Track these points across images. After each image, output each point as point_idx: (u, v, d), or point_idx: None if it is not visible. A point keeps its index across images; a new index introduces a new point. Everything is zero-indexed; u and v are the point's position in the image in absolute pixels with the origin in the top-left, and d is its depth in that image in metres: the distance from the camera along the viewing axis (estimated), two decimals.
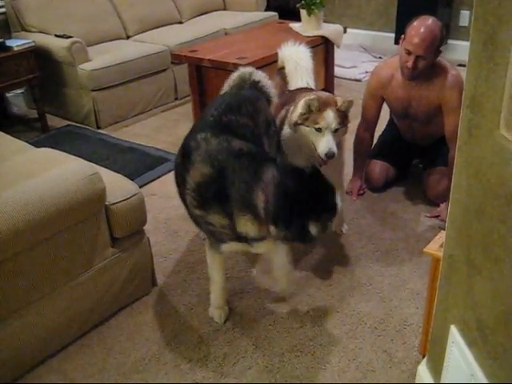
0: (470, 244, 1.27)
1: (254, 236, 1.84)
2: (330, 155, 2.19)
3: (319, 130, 2.21)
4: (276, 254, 2.18)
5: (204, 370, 1.97)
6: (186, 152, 1.96)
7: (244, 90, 2.38)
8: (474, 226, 1.24)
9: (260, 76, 2.48)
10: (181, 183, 2.00)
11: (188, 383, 1.92)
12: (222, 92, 2.48)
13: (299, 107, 2.26)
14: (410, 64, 2.59)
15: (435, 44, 2.57)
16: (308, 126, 2.24)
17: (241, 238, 1.88)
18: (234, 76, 2.48)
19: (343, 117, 2.25)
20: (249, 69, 2.52)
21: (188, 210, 2.00)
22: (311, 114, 2.22)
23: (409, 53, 2.58)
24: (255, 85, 2.43)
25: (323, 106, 2.21)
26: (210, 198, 1.84)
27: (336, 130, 2.22)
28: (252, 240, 1.87)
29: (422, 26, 2.55)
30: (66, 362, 2.03)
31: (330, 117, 2.20)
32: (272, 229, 1.78)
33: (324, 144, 2.20)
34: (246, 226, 1.81)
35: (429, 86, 2.69)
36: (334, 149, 2.20)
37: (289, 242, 1.91)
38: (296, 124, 2.28)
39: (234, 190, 1.79)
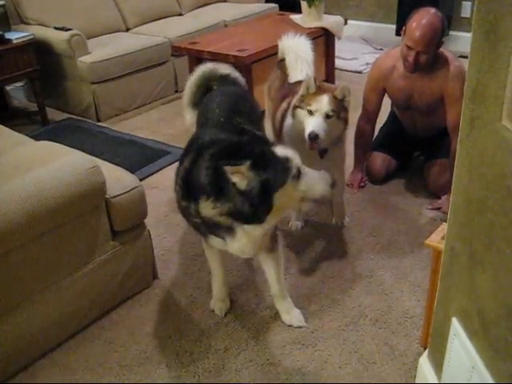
0: (472, 236, 1.27)
1: (210, 215, 1.74)
2: (312, 136, 2.19)
3: (311, 112, 2.23)
4: (267, 268, 2.09)
5: (205, 362, 1.97)
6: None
7: (227, 86, 2.38)
8: (475, 218, 1.24)
9: (228, 69, 2.48)
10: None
11: (186, 383, 1.93)
12: (187, 91, 2.44)
13: (300, 90, 2.30)
14: (411, 59, 2.57)
15: (436, 38, 2.55)
16: (302, 108, 2.26)
17: (212, 229, 1.82)
18: (197, 74, 2.44)
19: (339, 106, 2.25)
20: (209, 65, 2.49)
21: (178, 204, 1.96)
22: (307, 97, 2.25)
23: (410, 48, 2.57)
24: (226, 78, 2.43)
25: (320, 90, 2.26)
26: (187, 188, 1.84)
27: (328, 116, 2.22)
28: (219, 229, 1.80)
29: (423, 21, 2.52)
30: (68, 355, 2.03)
31: (323, 101, 2.22)
32: (215, 204, 1.70)
33: (310, 124, 2.21)
34: (204, 207, 1.74)
35: (431, 76, 2.68)
36: (319, 131, 2.20)
37: (239, 221, 1.71)
38: (295, 107, 2.30)
39: (195, 180, 1.78)
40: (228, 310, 2.21)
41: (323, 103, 2.22)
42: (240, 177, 1.62)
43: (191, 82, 2.45)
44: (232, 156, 1.67)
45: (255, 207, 1.65)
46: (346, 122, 2.32)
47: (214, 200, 1.70)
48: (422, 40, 2.52)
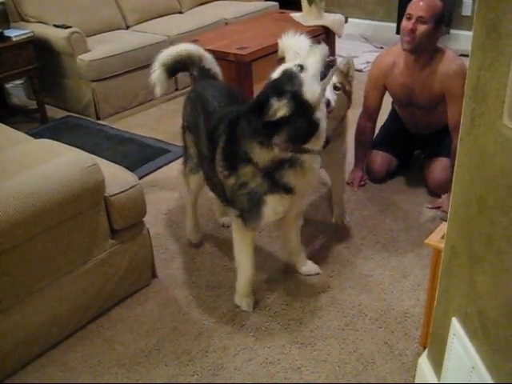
0: (472, 235, 1.26)
1: (271, 158, 1.87)
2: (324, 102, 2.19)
3: None
4: (289, 231, 2.30)
5: (204, 361, 1.97)
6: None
7: (211, 80, 2.42)
8: (475, 217, 1.23)
9: (212, 64, 2.48)
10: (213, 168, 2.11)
11: (183, 383, 1.92)
12: (165, 56, 2.40)
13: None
14: (409, 27, 2.59)
15: (435, 10, 2.59)
16: None
17: (277, 184, 1.91)
18: (183, 50, 2.43)
19: (344, 79, 2.27)
20: (198, 49, 2.46)
21: (218, 193, 2.16)
22: None
23: (409, 17, 2.60)
24: (208, 72, 2.43)
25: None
26: (233, 156, 1.97)
27: (336, 88, 2.24)
28: (289, 172, 1.90)
29: None
30: (67, 353, 2.03)
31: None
32: (273, 142, 1.85)
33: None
34: (261, 154, 1.88)
35: (432, 72, 2.67)
36: (331, 98, 2.19)
37: (300, 141, 1.88)
38: None
39: (241, 142, 1.93)
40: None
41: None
42: (280, 111, 1.80)
43: (175, 52, 2.42)
44: (259, 106, 1.83)
45: (305, 115, 1.82)
46: (350, 98, 2.33)
47: (269, 140, 1.85)
48: (421, 6, 2.57)
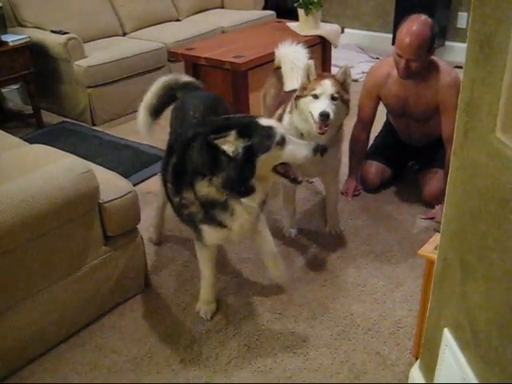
0: (465, 247, 1.27)
1: (206, 193, 1.86)
2: (323, 114, 2.20)
3: (316, 96, 2.24)
4: (262, 243, 2.20)
5: (196, 369, 1.96)
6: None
7: (194, 92, 2.46)
8: (468, 229, 1.24)
9: (188, 77, 2.60)
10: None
11: (183, 383, 1.92)
12: (148, 96, 2.49)
13: (300, 79, 2.36)
14: (401, 66, 2.60)
15: (425, 46, 2.55)
16: (306, 96, 2.27)
17: (210, 213, 1.90)
18: (159, 84, 2.49)
19: (341, 88, 2.28)
20: (171, 76, 2.55)
21: (172, 205, 2.11)
22: (309, 84, 2.28)
23: (400, 55, 2.58)
24: (188, 85, 2.50)
25: (321, 76, 2.31)
26: (180, 180, 1.96)
27: (334, 98, 2.24)
28: (216, 211, 1.89)
29: (411, 28, 2.53)
30: (58, 360, 2.02)
31: (326, 83, 2.25)
32: (211, 179, 1.83)
33: (319, 106, 2.23)
34: (200, 186, 1.87)
35: (426, 84, 2.69)
36: (329, 110, 2.20)
37: (233, 192, 1.83)
38: (296, 98, 2.32)
39: (189, 165, 1.92)
40: (214, 313, 2.21)
41: (327, 85, 2.24)
42: (228, 144, 1.76)
43: (153, 88, 2.49)
44: (220, 131, 1.79)
45: (243, 172, 1.78)
46: (347, 105, 2.33)
47: (209, 175, 1.83)
48: (410, 48, 2.53)
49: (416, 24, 2.54)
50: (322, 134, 2.25)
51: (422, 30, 2.54)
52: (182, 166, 1.94)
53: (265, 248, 2.21)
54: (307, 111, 2.28)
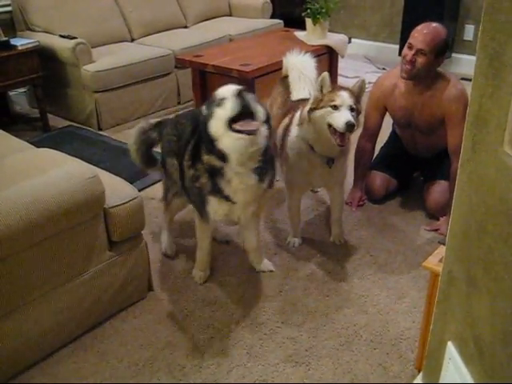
0: (470, 261, 1.26)
1: (213, 164, 2.03)
2: (349, 123, 2.17)
3: (335, 107, 2.22)
4: (248, 230, 2.42)
5: (197, 377, 1.96)
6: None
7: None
8: (474, 242, 1.23)
9: (156, 119, 2.68)
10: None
11: (186, 383, 1.91)
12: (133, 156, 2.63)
13: (312, 93, 2.36)
14: (408, 57, 2.60)
15: (437, 42, 2.57)
16: (323, 107, 2.25)
17: (216, 188, 2.07)
18: (136, 132, 2.59)
19: (357, 100, 2.27)
20: (144, 123, 2.62)
21: (184, 187, 2.26)
22: (324, 95, 2.26)
23: (410, 47, 2.60)
24: (159, 124, 2.58)
25: (335, 88, 2.31)
26: (195, 152, 2.11)
27: (352, 109, 2.22)
28: (221, 181, 2.05)
29: (429, 24, 2.62)
30: (59, 364, 2.01)
31: (344, 94, 2.23)
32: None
33: (343, 115, 2.20)
34: (204, 156, 2.05)
35: (432, 96, 2.69)
36: (354, 121, 2.19)
37: (213, 155, 2.01)
38: (310, 110, 2.29)
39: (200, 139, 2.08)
40: (206, 279, 2.44)
41: (346, 97, 2.22)
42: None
43: (133, 137, 2.60)
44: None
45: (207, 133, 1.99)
46: (358, 117, 2.32)
47: (208, 144, 2.01)
48: (424, 37, 2.57)
49: (434, 24, 2.63)
50: (343, 146, 2.25)
51: (439, 29, 2.61)
52: (197, 144, 2.11)
53: (250, 239, 2.45)
54: (323, 123, 2.25)
